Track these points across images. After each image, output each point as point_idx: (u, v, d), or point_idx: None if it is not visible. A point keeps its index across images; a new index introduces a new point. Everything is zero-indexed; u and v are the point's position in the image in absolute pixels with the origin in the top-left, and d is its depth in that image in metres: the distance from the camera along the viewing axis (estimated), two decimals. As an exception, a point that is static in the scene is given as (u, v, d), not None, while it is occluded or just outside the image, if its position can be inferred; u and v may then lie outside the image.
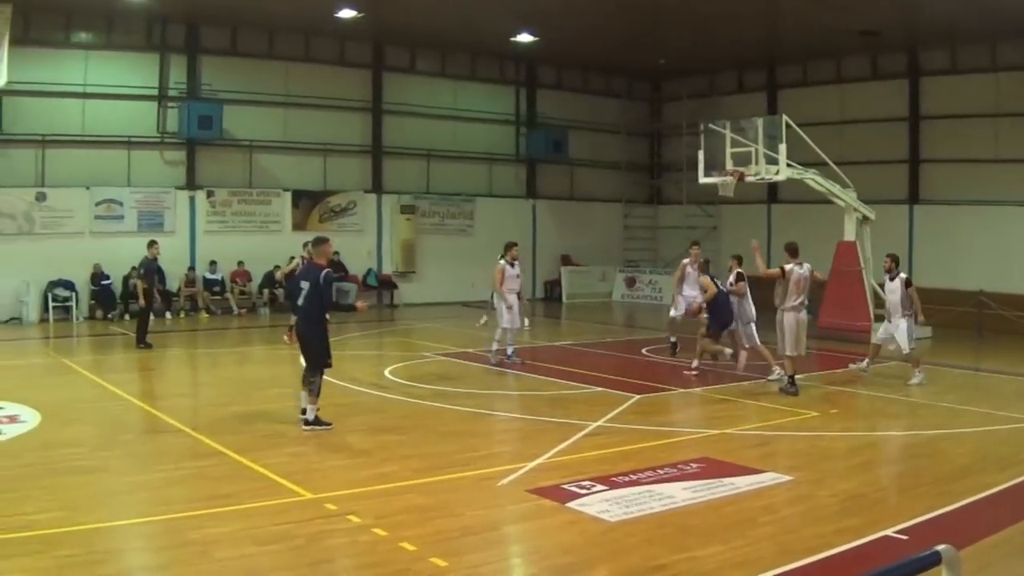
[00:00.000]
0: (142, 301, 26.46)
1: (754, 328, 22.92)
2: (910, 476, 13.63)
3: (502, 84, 44.05)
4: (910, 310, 22.01)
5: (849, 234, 29.38)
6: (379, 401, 19.12)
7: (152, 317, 27.91)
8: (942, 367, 24.70)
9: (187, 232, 35.99)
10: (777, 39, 37.58)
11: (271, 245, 36.24)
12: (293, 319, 26.58)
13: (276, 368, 24.25)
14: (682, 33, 35.51)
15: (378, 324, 33.59)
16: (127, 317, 32.91)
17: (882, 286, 24.39)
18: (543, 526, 11.29)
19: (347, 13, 33.26)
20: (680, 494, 12.24)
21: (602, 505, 11.71)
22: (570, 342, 29.87)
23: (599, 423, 16.80)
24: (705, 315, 23.01)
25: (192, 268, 35.65)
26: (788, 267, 20.16)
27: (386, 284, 40.33)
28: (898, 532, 10.75)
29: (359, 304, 17.93)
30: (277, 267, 33.57)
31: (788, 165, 27.95)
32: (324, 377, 16.63)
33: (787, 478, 13.16)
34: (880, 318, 28.10)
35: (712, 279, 22.94)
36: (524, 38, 37.70)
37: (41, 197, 32.90)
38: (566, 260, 44.83)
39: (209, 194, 36.38)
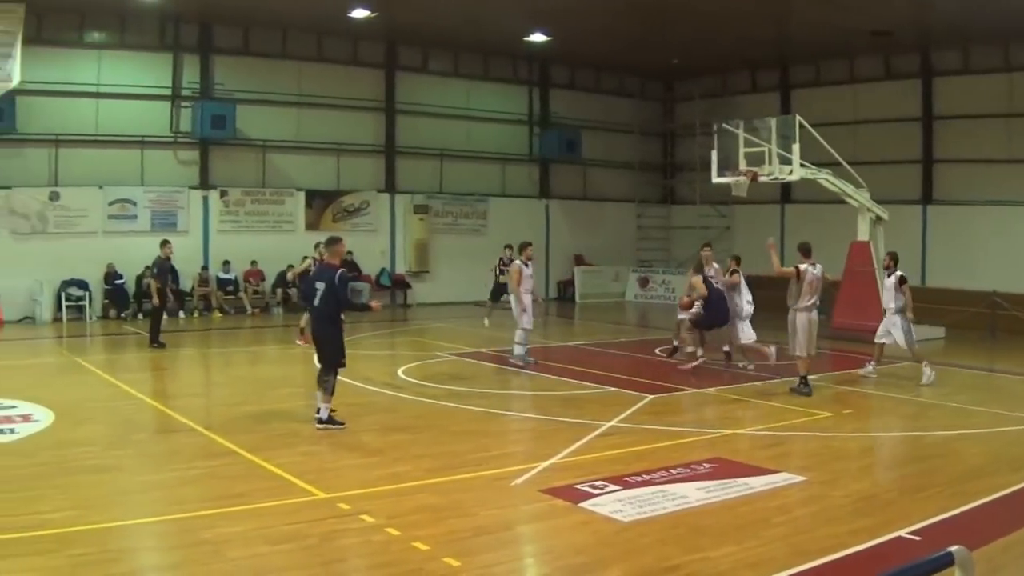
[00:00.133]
0: (156, 300, 26.47)
1: (748, 326, 23.07)
2: (923, 477, 13.57)
3: (515, 84, 44.05)
4: (910, 308, 22.11)
5: (863, 234, 29.35)
6: (392, 401, 19.10)
7: (165, 317, 27.97)
8: (955, 367, 24.65)
9: (200, 232, 36.04)
10: (790, 39, 37.55)
11: (284, 245, 36.25)
12: (303, 320, 26.85)
13: (289, 368, 24.33)
14: (695, 33, 35.47)
15: (391, 324, 33.61)
16: (140, 316, 32.98)
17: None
18: (556, 526, 11.27)
19: (360, 13, 33.29)
20: (693, 494, 12.22)
21: (615, 505, 11.69)
22: (583, 342, 29.87)
23: (612, 423, 16.78)
24: (696, 310, 23.12)
25: (205, 268, 35.69)
26: (802, 267, 20.13)
27: (399, 284, 40.35)
28: (911, 533, 10.71)
29: (373, 304, 17.95)
30: (290, 267, 33.62)
31: (801, 165, 27.91)
32: (338, 377, 16.65)
33: (800, 478, 13.12)
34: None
35: (706, 279, 22.99)
36: (537, 38, 37.71)
37: (54, 197, 32.97)
38: (579, 260, 44.80)
39: (222, 194, 36.43)
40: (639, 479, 12.85)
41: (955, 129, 36.93)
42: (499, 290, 31.54)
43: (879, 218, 29.47)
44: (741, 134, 28.76)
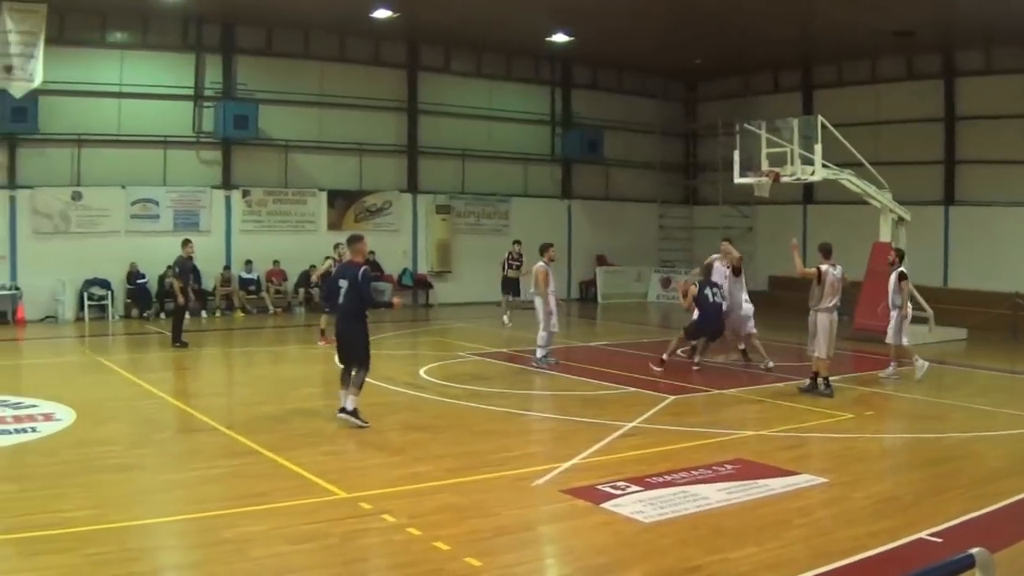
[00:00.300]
0: (180, 299, 26.49)
1: (750, 323, 23.26)
2: (944, 479, 13.50)
3: (537, 84, 44.03)
4: (907, 303, 22.39)
5: (885, 235, 29.23)
6: (414, 400, 19.11)
7: (187, 316, 28.01)
8: (977, 369, 24.61)
9: (223, 231, 36.12)
10: (812, 39, 37.43)
11: (307, 245, 36.25)
12: (323, 321, 26.87)
13: (311, 367, 24.37)
14: (718, 33, 35.38)
15: (413, 324, 33.60)
16: (163, 316, 33.09)
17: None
18: (577, 526, 11.25)
19: (382, 13, 33.31)
20: (714, 495, 12.19)
21: (636, 506, 11.67)
22: (605, 342, 29.85)
23: (634, 424, 16.76)
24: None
25: (228, 267, 35.75)
26: (823, 268, 20.09)
27: (421, 284, 40.36)
28: (932, 535, 10.67)
29: (395, 300, 18.11)
30: (312, 267, 33.68)
31: (824, 166, 27.82)
32: (365, 376, 16.70)
33: (821, 480, 13.08)
34: (915, 320, 28.15)
35: (703, 293, 23.16)
36: (559, 38, 37.69)
37: (77, 196, 33.06)
38: (601, 260, 44.76)
39: (245, 193, 36.48)
40: (660, 480, 12.83)
41: (977, 130, 36.77)
42: (507, 285, 31.66)
43: (901, 219, 29.36)
44: (763, 134, 28.70)
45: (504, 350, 26.30)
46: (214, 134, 35.58)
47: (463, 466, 13.77)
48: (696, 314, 23.17)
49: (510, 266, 32.41)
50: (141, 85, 34.35)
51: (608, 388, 20.74)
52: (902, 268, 22.64)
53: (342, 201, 38.70)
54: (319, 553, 10.01)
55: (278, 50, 37.10)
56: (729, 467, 13.63)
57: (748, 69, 43.70)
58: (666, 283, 44.35)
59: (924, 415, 18.79)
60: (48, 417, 16.60)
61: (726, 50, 38.96)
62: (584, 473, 13.29)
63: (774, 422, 17.23)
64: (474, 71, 42.15)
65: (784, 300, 29.41)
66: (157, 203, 34.57)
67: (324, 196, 38.30)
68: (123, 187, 33.96)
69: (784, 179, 28.30)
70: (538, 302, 23.77)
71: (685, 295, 23.67)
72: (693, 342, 23.86)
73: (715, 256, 24.76)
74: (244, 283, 35.98)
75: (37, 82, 29.88)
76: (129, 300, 33.96)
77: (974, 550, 5.01)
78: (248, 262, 35.84)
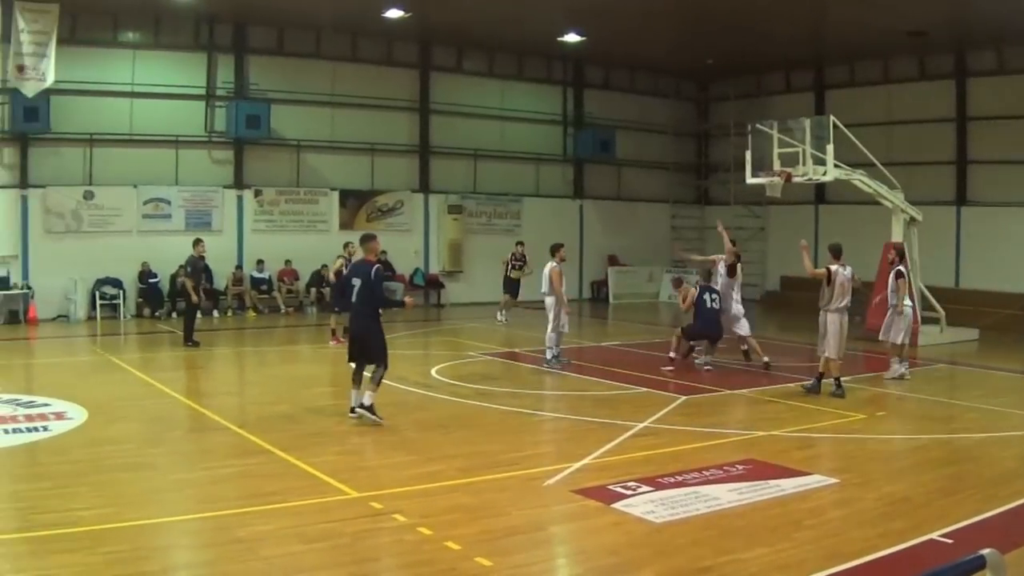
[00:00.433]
0: (194, 298, 26.51)
1: (739, 325, 23.45)
2: (955, 480, 13.47)
3: (549, 84, 44.03)
4: (901, 301, 22.45)
5: (896, 235, 29.14)
6: (425, 400, 19.11)
7: (199, 315, 28.03)
8: (989, 370, 24.56)
9: (235, 231, 36.16)
10: (824, 39, 37.46)
11: (318, 244, 36.25)
12: (333, 320, 26.89)
13: (323, 367, 24.42)
14: (730, 33, 35.33)
15: (425, 323, 33.61)
16: (174, 315, 33.11)
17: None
18: (588, 527, 11.25)
19: (394, 13, 33.33)
20: (726, 496, 12.19)
21: (648, 506, 11.66)
22: (616, 342, 29.83)
23: (645, 424, 16.75)
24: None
25: (239, 267, 35.79)
26: (833, 268, 20.07)
27: (433, 284, 40.38)
28: (943, 536, 10.66)
29: (407, 300, 18.15)
30: (324, 266, 33.63)
31: (836, 166, 27.75)
32: (383, 373, 16.76)
33: (832, 480, 13.07)
34: (927, 320, 28.15)
35: (702, 298, 23.36)
36: (571, 38, 37.69)
37: (89, 196, 33.11)
38: (613, 260, 44.75)
39: (257, 193, 36.52)
40: (672, 480, 12.82)
41: (989, 130, 36.69)
42: (508, 285, 31.69)
43: (913, 219, 29.29)
44: (775, 134, 28.61)
45: (516, 350, 26.31)
46: (226, 134, 35.64)
47: (474, 466, 13.78)
48: (694, 318, 23.36)
49: (513, 267, 32.42)
50: (153, 85, 34.41)
51: (619, 388, 20.73)
52: (900, 267, 22.64)
53: (354, 201, 38.73)
54: (330, 552, 10.02)
55: (290, 50, 37.14)
56: (740, 467, 13.62)
57: (760, 69, 43.68)
58: (678, 283, 44.26)
59: (935, 416, 18.74)
60: (60, 416, 16.62)
61: (738, 50, 38.92)
62: (595, 473, 13.29)
63: (785, 422, 17.20)
64: (486, 71, 42.16)
65: (796, 300, 29.41)
66: (169, 202, 34.63)
67: (336, 196, 38.33)
68: (135, 186, 34.01)
69: (796, 179, 28.22)
70: (549, 302, 23.67)
71: (684, 299, 23.86)
72: (691, 343, 23.97)
73: (719, 256, 24.80)
74: (256, 283, 36.01)
75: (49, 82, 29.98)
76: (141, 299, 34.02)
77: (985, 551, 5.00)
78: (260, 262, 35.87)
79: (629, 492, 12.21)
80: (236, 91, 35.95)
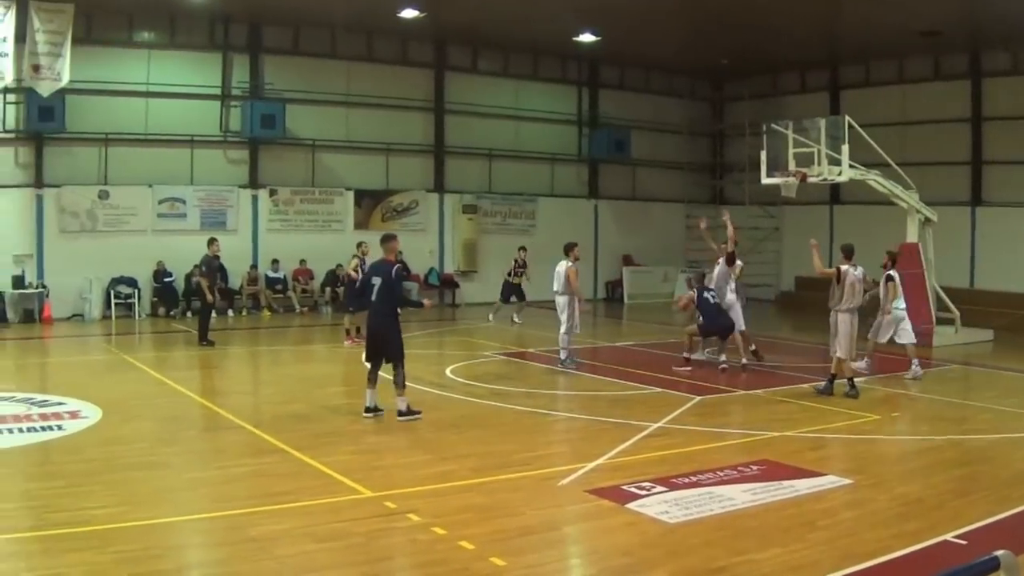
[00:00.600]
0: (209, 297, 26.54)
1: (738, 315, 23.80)
2: (969, 481, 13.43)
3: (564, 84, 44.01)
4: (890, 303, 22.80)
5: (912, 236, 29.11)
6: (440, 400, 19.07)
7: (214, 315, 28.06)
8: (1003, 371, 24.48)
9: (250, 230, 36.20)
10: (839, 39, 37.41)
11: (333, 244, 36.22)
12: (347, 320, 26.93)
13: (337, 366, 24.45)
14: (744, 33, 35.29)
15: (439, 323, 33.59)
16: (189, 314, 33.16)
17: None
18: (602, 527, 11.24)
19: (409, 13, 33.34)
20: (740, 496, 12.17)
21: (662, 507, 11.65)
22: (631, 343, 29.80)
23: (659, 424, 16.74)
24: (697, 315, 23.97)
25: (254, 266, 35.84)
26: (844, 268, 20.05)
27: (448, 283, 40.39)
28: (957, 537, 10.64)
29: (426, 302, 18.28)
30: (339, 266, 33.67)
31: (851, 166, 27.71)
32: (380, 374, 16.83)
33: (846, 481, 13.04)
34: (942, 321, 28.08)
35: (702, 297, 23.62)
36: (586, 38, 37.68)
37: (104, 195, 33.16)
38: (628, 260, 44.69)
39: (272, 193, 36.56)
40: (686, 481, 12.81)
41: (1004, 130, 36.58)
42: (509, 290, 31.76)
43: (928, 220, 29.25)
44: (790, 135, 28.57)
45: (530, 350, 26.30)
46: (241, 133, 35.68)
47: (488, 466, 13.79)
48: (701, 318, 23.59)
49: (516, 273, 32.46)
50: (168, 84, 34.43)
51: (634, 388, 20.71)
52: (891, 272, 22.67)
53: (369, 200, 38.75)
54: (344, 552, 10.03)
55: (305, 50, 37.16)
56: (754, 468, 13.60)
57: (775, 69, 43.62)
58: (700, 278, 44.24)
59: (949, 417, 18.65)
60: (74, 415, 16.66)
61: (753, 50, 38.88)
62: (609, 473, 13.28)
63: (799, 423, 17.17)
64: (501, 71, 42.14)
65: (811, 301, 29.38)
66: (184, 202, 34.67)
67: (351, 195, 38.36)
68: (150, 186, 34.05)
69: (811, 179, 28.19)
70: (561, 301, 23.56)
71: (685, 306, 24.21)
72: (699, 339, 24.11)
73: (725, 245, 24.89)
74: (271, 282, 36.06)
75: (64, 81, 30.05)
76: (156, 299, 34.08)
77: (999, 552, 4.98)
78: (275, 261, 35.94)
79: (643, 492, 12.20)
80: (251, 91, 35.98)
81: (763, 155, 29.70)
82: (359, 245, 26.92)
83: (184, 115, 34.81)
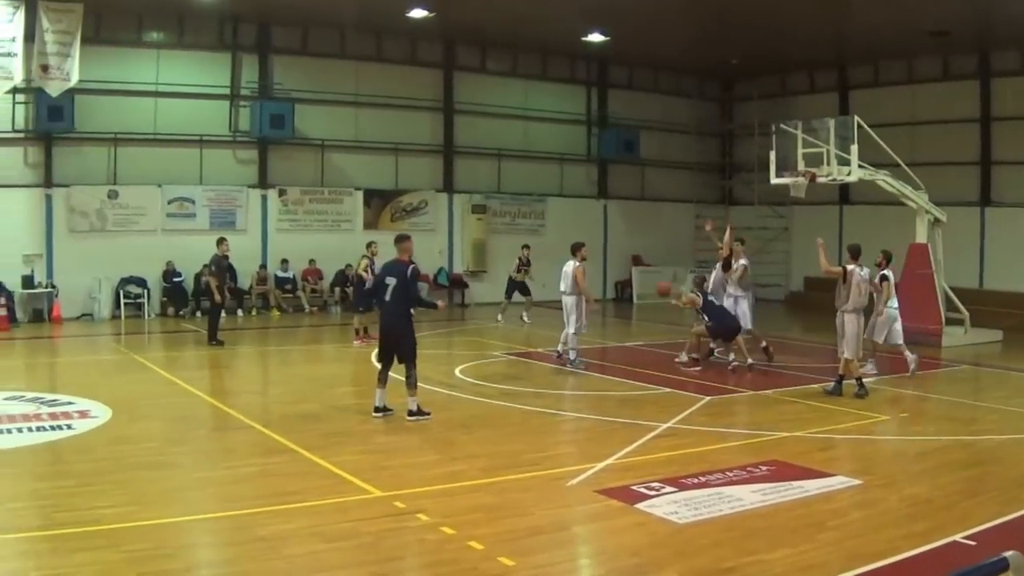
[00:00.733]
0: (218, 297, 26.55)
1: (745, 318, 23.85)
2: (979, 481, 13.41)
3: (573, 84, 44.01)
4: (884, 303, 22.70)
5: (921, 236, 29.08)
6: (449, 400, 19.07)
7: (223, 314, 28.06)
8: (1012, 371, 24.46)
9: (259, 230, 36.24)
10: (848, 39, 37.38)
11: (342, 244, 36.25)
12: (357, 320, 26.94)
13: (347, 366, 24.46)
14: (753, 33, 35.28)
15: (448, 323, 33.56)
16: (199, 314, 33.19)
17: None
18: (611, 527, 11.23)
19: (418, 13, 33.35)
20: (749, 497, 12.16)
21: (671, 507, 11.64)
22: (641, 343, 29.80)
23: (669, 424, 16.72)
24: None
25: (264, 266, 35.87)
26: (850, 268, 20.05)
27: (457, 283, 40.39)
28: (966, 537, 10.62)
29: (440, 303, 18.29)
30: (348, 266, 33.68)
31: (860, 166, 27.67)
32: (390, 375, 16.86)
33: (856, 482, 13.02)
34: (951, 321, 28.05)
35: (705, 297, 23.85)
36: (595, 38, 37.67)
37: (113, 195, 33.19)
38: (637, 260, 44.64)
39: (281, 193, 36.58)
40: (695, 481, 12.80)
41: (1013, 130, 36.51)
42: (512, 287, 31.83)
43: (937, 220, 29.21)
44: (799, 135, 28.53)
45: (539, 350, 26.28)
46: (250, 133, 35.70)
47: (497, 465, 13.79)
48: (708, 321, 23.61)
49: (519, 270, 32.51)
50: (177, 84, 34.47)
51: (643, 388, 20.70)
52: (885, 271, 22.64)
53: (378, 200, 38.77)
54: (353, 552, 10.03)
55: (314, 50, 37.20)
56: (764, 468, 13.58)
57: (784, 69, 43.59)
58: (701, 283, 44.20)
59: (958, 417, 18.61)
60: (84, 414, 16.68)
61: (762, 50, 38.86)
62: (619, 473, 13.27)
63: (809, 423, 17.14)
64: (510, 71, 42.13)
65: (820, 301, 29.34)
66: (193, 202, 34.72)
67: (360, 195, 38.37)
68: (159, 186, 34.09)
69: (820, 180, 28.15)
70: (569, 301, 23.51)
71: (687, 303, 24.26)
72: (712, 345, 24.11)
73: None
74: (280, 282, 36.09)
75: (73, 81, 30.09)
76: (165, 298, 34.14)
77: (1008, 553, 4.98)
78: (284, 261, 35.97)
79: (652, 492, 12.20)
80: (260, 91, 36.01)
81: (772, 155, 29.65)
82: (369, 245, 26.97)
83: (193, 115, 34.84)
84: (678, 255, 44.89)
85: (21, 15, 28.87)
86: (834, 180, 28.64)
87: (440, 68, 40.28)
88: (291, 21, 36.08)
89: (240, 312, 34.37)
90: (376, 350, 17.58)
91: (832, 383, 19.98)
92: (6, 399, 17.91)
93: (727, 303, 23.95)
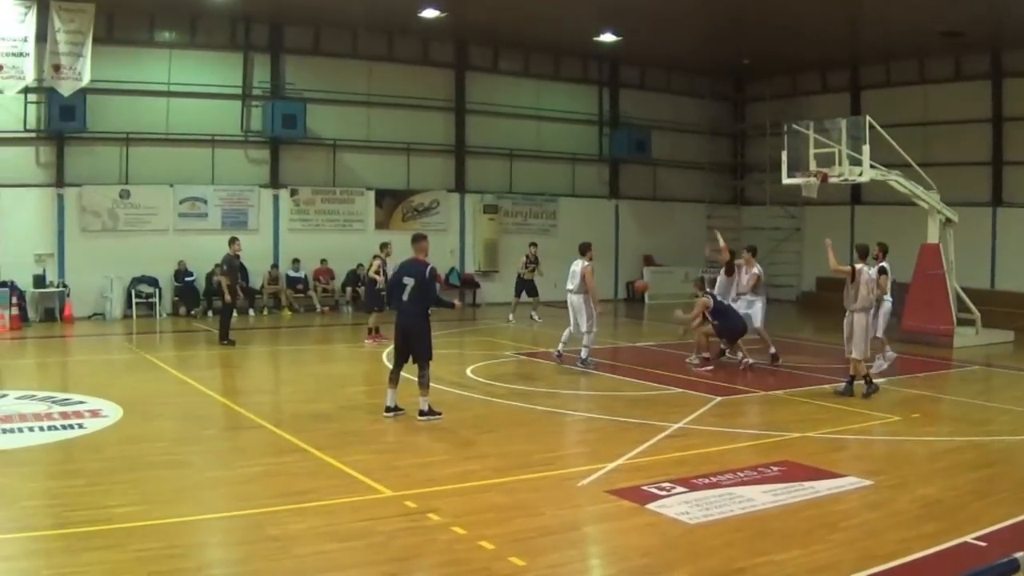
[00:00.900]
0: (229, 297, 26.56)
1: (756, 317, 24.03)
2: (990, 482, 13.38)
3: (585, 84, 44.00)
4: (882, 296, 22.51)
5: (932, 236, 29.02)
6: (460, 400, 19.06)
7: (235, 314, 28.08)
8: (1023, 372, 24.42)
9: (271, 230, 36.28)
10: (860, 39, 37.35)
11: (354, 244, 36.36)
12: (370, 319, 26.96)
13: (358, 366, 24.44)
14: (765, 33, 35.26)
15: (460, 323, 33.52)
16: (210, 314, 33.24)
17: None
18: (622, 527, 11.22)
19: (430, 13, 33.37)
20: (760, 497, 12.14)
21: (682, 507, 11.62)
22: (652, 343, 29.74)
23: (680, 424, 16.70)
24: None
25: (275, 266, 35.92)
26: (859, 267, 20.03)
27: (468, 283, 40.37)
28: (977, 538, 10.59)
29: (456, 303, 18.37)
30: (360, 265, 33.78)
31: (871, 166, 27.61)
32: (402, 375, 16.88)
33: (867, 482, 12.98)
34: (963, 322, 27.99)
35: (713, 299, 23.83)
36: (607, 38, 37.66)
37: (125, 194, 33.25)
38: (648, 260, 44.60)
39: (293, 192, 36.61)
40: (706, 481, 12.78)
41: (1026, 131, 36.54)
42: (520, 286, 31.88)
43: (949, 220, 29.16)
44: (811, 135, 28.47)
45: (551, 350, 26.22)
46: (262, 133, 35.74)
47: (509, 466, 13.78)
48: (714, 320, 23.58)
49: (528, 268, 32.53)
50: (189, 84, 34.53)
51: (654, 389, 20.68)
52: (883, 263, 22.59)
53: (390, 200, 38.79)
54: (364, 551, 10.03)
55: (326, 50, 37.23)
56: (775, 469, 13.56)
57: (796, 69, 43.53)
58: (713, 283, 44.16)
59: (970, 418, 18.56)
60: (95, 414, 16.70)
61: (774, 50, 38.85)
62: (629, 474, 13.25)
63: (820, 424, 17.11)
64: (522, 71, 42.13)
65: (832, 301, 29.26)
66: (205, 201, 34.77)
67: (372, 195, 38.40)
68: (171, 185, 34.15)
69: (832, 180, 28.10)
70: (577, 300, 23.46)
71: (699, 312, 24.03)
72: (723, 346, 24.12)
73: (738, 262, 24.97)
74: (292, 282, 36.14)
75: (85, 81, 30.14)
76: (177, 298, 34.18)
77: (1019, 554, 4.98)
78: (296, 261, 36.01)
79: (663, 493, 12.18)
80: (272, 91, 36.06)
81: (784, 155, 29.59)
82: (383, 247, 27.00)
83: (205, 115, 34.91)
84: (689, 255, 44.77)
85: (33, 15, 28.93)
86: (846, 180, 28.59)
87: (452, 68, 40.30)
88: (303, 21, 36.12)
89: (252, 312, 34.41)
90: (387, 349, 17.59)
91: (843, 383, 19.95)
92: (18, 398, 17.99)
93: (740, 304, 23.95)
